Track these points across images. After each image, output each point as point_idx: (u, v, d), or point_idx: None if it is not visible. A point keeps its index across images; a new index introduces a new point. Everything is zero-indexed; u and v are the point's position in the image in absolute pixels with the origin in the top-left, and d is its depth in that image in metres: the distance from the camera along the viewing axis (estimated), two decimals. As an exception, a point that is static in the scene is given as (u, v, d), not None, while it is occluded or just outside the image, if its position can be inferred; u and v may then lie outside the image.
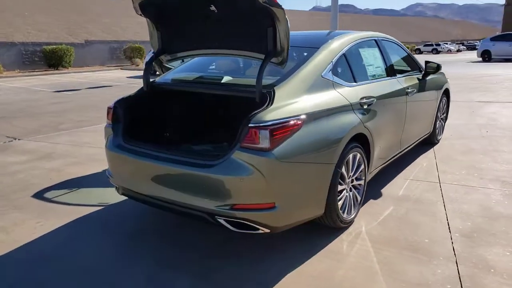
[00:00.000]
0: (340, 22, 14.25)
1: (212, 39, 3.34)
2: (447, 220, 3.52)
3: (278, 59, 3.02)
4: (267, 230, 2.77)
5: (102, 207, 3.96)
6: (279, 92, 2.89)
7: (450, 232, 3.30)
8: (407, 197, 4.02)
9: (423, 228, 3.38)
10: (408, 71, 4.86)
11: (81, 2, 39.89)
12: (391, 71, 4.32)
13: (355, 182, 3.47)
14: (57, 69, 27.00)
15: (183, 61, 4.51)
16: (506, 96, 10.30)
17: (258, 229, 2.75)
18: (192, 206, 2.84)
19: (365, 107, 3.49)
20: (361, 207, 3.67)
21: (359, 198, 3.56)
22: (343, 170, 3.19)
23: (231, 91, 3.23)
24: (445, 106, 6.09)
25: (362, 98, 3.47)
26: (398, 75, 4.43)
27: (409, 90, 4.40)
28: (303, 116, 2.82)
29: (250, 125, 2.65)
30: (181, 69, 4.00)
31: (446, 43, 65.05)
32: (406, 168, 4.90)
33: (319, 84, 3.18)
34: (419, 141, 5.15)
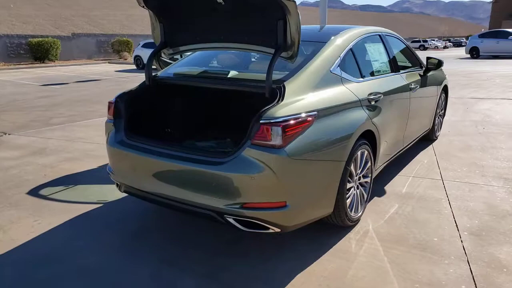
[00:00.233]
0: (328, 18, 14.20)
1: (218, 32, 3.24)
2: (454, 218, 3.48)
3: (288, 53, 2.93)
4: (278, 230, 2.70)
5: (101, 204, 3.84)
6: (289, 87, 2.81)
7: (458, 230, 3.27)
8: (411, 195, 3.98)
9: (430, 226, 3.34)
10: (409, 66, 4.81)
11: (67, -6, 39.29)
12: (395, 66, 4.26)
13: (362, 180, 3.42)
14: (43, 62, 26.58)
15: (181, 56, 4.41)
16: (498, 93, 10.36)
17: (269, 228, 2.68)
18: (200, 205, 2.75)
19: (373, 103, 3.43)
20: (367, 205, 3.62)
21: (365, 196, 3.51)
22: (351, 167, 3.13)
23: (239, 86, 3.13)
24: (443, 103, 6.07)
25: (370, 94, 3.41)
26: (402, 71, 4.38)
27: (412, 86, 4.36)
28: (314, 112, 2.75)
29: (261, 121, 2.56)
30: (183, 63, 3.89)
31: (433, 40, 65.75)
32: (407, 165, 4.86)
33: (328, 80, 3.11)
34: (420, 137, 5.12)
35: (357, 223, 3.39)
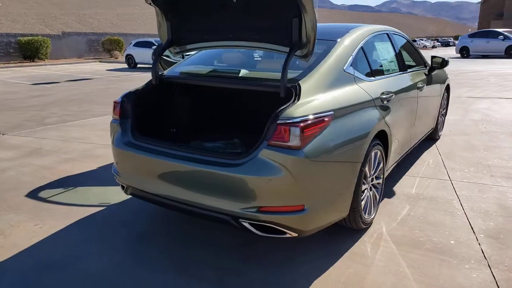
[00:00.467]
0: (318, 17, 14.16)
1: (228, 30, 3.13)
2: (468, 219, 3.41)
3: (303, 52, 2.83)
4: (295, 234, 2.60)
5: (104, 207, 3.72)
6: (304, 86, 2.72)
7: (474, 232, 3.20)
8: (421, 196, 3.91)
9: (445, 228, 3.27)
10: (415, 65, 4.75)
11: (56, -7, 38.82)
12: (403, 65, 4.19)
13: (374, 181, 3.34)
14: (33, 61, 26.24)
15: (183, 57, 4.30)
16: (494, 92, 10.37)
17: (286, 233, 2.58)
18: (213, 208, 2.64)
19: (385, 102, 3.35)
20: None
21: (378, 197, 3.43)
22: (366, 168, 3.05)
23: (252, 86, 3.01)
24: (445, 102, 6.03)
25: (382, 94, 3.33)
26: (409, 70, 4.31)
27: (420, 85, 4.30)
28: (331, 112, 2.65)
29: (278, 121, 2.46)
30: (188, 62, 3.77)
31: (422, 39, 66.31)
32: (413, 166, 4.80)
33: (342, 79, 3.02)
34: (425, 136, 5.06)
35: (370, 225, 3.31)
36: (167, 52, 3.57)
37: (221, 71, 3.45)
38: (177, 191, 2.78)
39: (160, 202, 2.96)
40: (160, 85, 3.37)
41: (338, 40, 3.30)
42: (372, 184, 3.30)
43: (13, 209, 3.69)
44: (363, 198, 3.10)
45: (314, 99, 2.69)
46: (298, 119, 2.46)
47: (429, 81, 4.78)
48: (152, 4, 3.14)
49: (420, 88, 4.30)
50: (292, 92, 2.66)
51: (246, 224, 2.58)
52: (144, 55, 20.85)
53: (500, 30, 26.53)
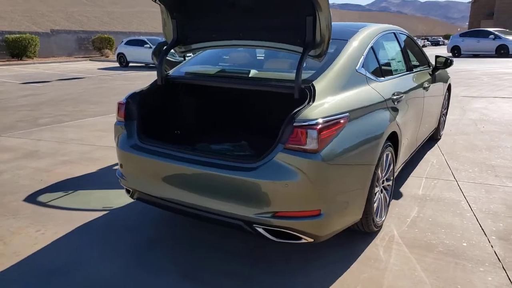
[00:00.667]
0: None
1: (237, 29, 3.05)
2: (478, 221, 3.37)
3: (316, 52, 2.76)
4: (311, 240, 2.53)
5: (107, 211, 3.61)
6: (318, 87, 2.64)
7: (485, 234, 3.16)
8: (428, 197, 3.87)
9: (456, 230, 3.22)
10: (419, 65, 4.70)
11: (44, -10, 38.32)
12: (409, 65, 4.15)
13: (385, 183, 3.28)
14: (21, 60, 25.86)
15: (184, 58, 4.20)
16: (489, 91, 10.41)
17: (301, 238, 2.50)
18: (226, 213, 2.56)
19: (395, 103, 3.30)
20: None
21: (388, 200, 3.38)
22: (379, 170, 2.99)
23: (264, 86, 2.93)
24: (447, 102, 6.00)
25: (393, 94, 3.27)
26: (415, 70, 4.27)
27: (426, 85, 4.26)
28: (347, 114, 2.59)
29: (295, 124, 2.39)
30: (193, 62, 3.67)
31: (412, 38, 66.47)
32: (417, 166, 4.76)
33: (355, 79, 2.95)
34: (428, 137, 5.03)
35: (381, 228, 3.26)
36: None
37: (230, 71, 3.36)
38: (186, 195, 2.69)
39: (167, 206, 2.87)
40: (165, 85, 3.27)
41: (348, 39, 3.23)
42: (383, 186, 3.25)
43: (12, 214, 3.57)
44: (375, 201, 3.05)
45: (329, 100, 2.62)
46: (315, 122, 2.39)
47: (433, 81, 4.74)
48: (157, 1, 3.04)
49: (426, 88, 4.26)
50: (306, 93, 2.59)
51: (261, 230, 2.51)
52: (136, 54, 20.62)
53: (491, 29, 26.71)
